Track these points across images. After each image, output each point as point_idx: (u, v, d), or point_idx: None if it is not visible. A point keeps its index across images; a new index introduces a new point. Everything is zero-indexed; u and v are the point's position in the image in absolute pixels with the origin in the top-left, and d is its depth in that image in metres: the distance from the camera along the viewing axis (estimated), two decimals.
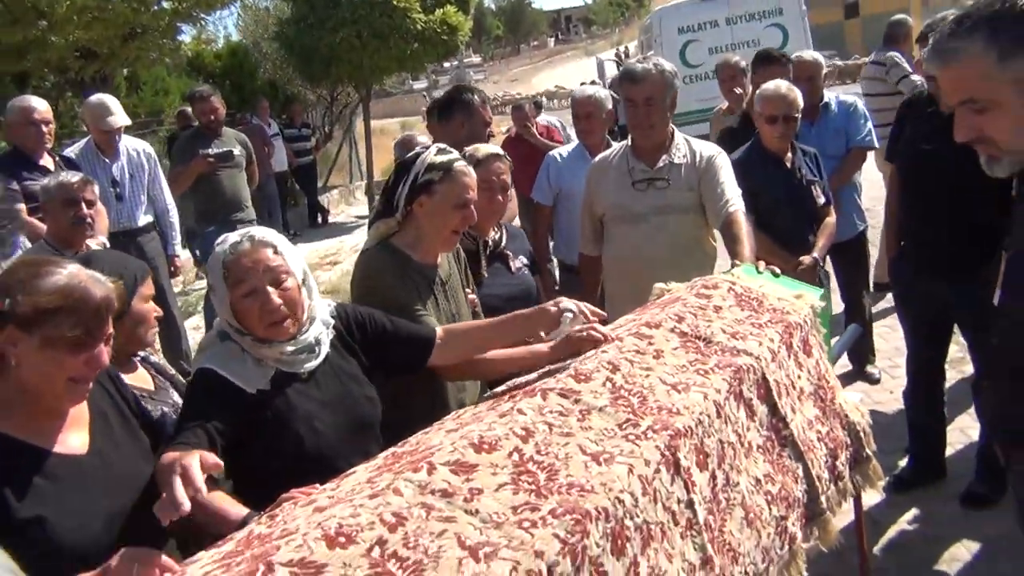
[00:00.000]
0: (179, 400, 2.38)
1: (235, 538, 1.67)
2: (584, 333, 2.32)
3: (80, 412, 1.89)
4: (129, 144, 5.59)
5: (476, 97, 3.86)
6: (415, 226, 2.59)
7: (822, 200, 4.17)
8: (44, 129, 4.91)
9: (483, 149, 3.09)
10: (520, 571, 1.47)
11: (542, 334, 2.56)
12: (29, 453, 1.75)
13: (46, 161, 4.93)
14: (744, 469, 2.15)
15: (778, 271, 2.92)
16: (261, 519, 1.76)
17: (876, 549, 3.57)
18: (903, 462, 4.13)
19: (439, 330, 2.40)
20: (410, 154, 2.64)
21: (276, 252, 2.09)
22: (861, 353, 5.18)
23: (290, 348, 2.11)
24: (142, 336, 2.33)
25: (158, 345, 4.67)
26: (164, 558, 1.54)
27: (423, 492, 1.64)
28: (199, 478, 1.60)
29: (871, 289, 5.61)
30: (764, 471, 2.21)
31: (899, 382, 4.49)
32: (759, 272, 2.90)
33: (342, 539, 1.50)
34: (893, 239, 4.00)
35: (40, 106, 4.98)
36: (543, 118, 8.61)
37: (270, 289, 2.05)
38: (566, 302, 2.34)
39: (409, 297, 2.50)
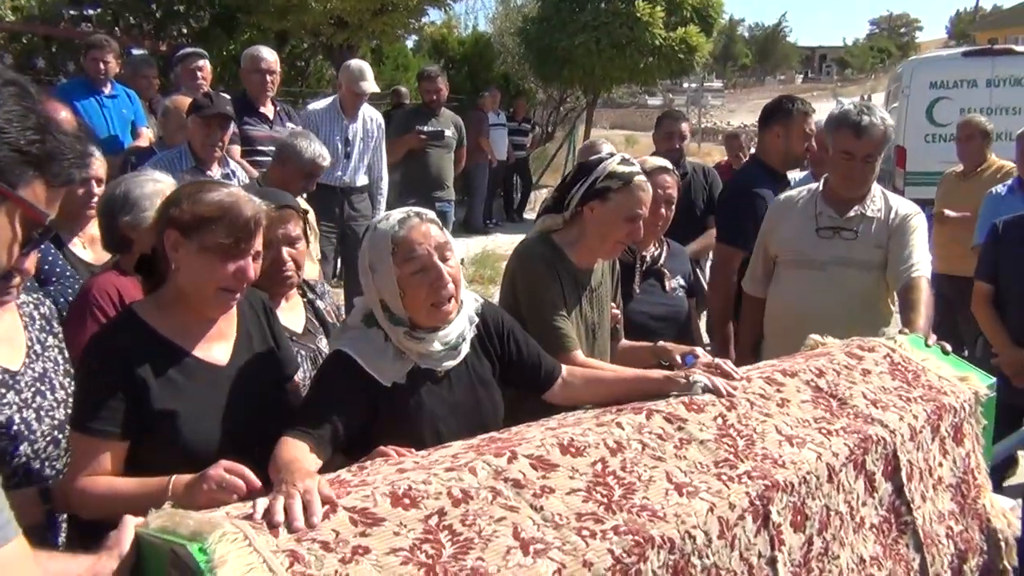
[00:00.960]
0: (323, 347, 2.50)
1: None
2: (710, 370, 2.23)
3: (228, 327, 2.05)
4: (366, 111, 5.93)
5: (798, 108, 3.76)
6: (579, 228, 2.60)
7: None
8: (268, 79, 5.27)
9: (651, 162, 3.07)
10: (564, 575, 1.47)
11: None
12: (174, 352, 1.93)
13: (267, 109, 5.31)
14: (849, 543, 2.02)
15: (948, 348, 2.70)
16: (352, 468, 1.86)
17: None
18: None
19: (564, 371, 2.28)
20: (594, 157, 2.67)
21: (440, 229, 2.05)
22: None
23: (438, 346, 2.03)
24: (271, 278, 2.42)
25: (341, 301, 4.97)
26: (251, 476, 1.64)
27: (496, 477, 1.67)
28: (319, 512, 1.49)
29: None
30: (872, 552, 2.07)
31: None
32: (927, 346, 2.69)
33: (406, 500, 1.56)
34: None
35: (268, 56, 5.35)
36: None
37: (440, 264, 2.00)
38: (698, 374, 2.16)
39: (553, 294, 2.50)
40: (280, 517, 1.45)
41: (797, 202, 3.43)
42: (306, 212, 2.67)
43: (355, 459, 1.93)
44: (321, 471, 1.82)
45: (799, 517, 1.89)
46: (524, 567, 1.46)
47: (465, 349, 2.09)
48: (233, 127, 4.65)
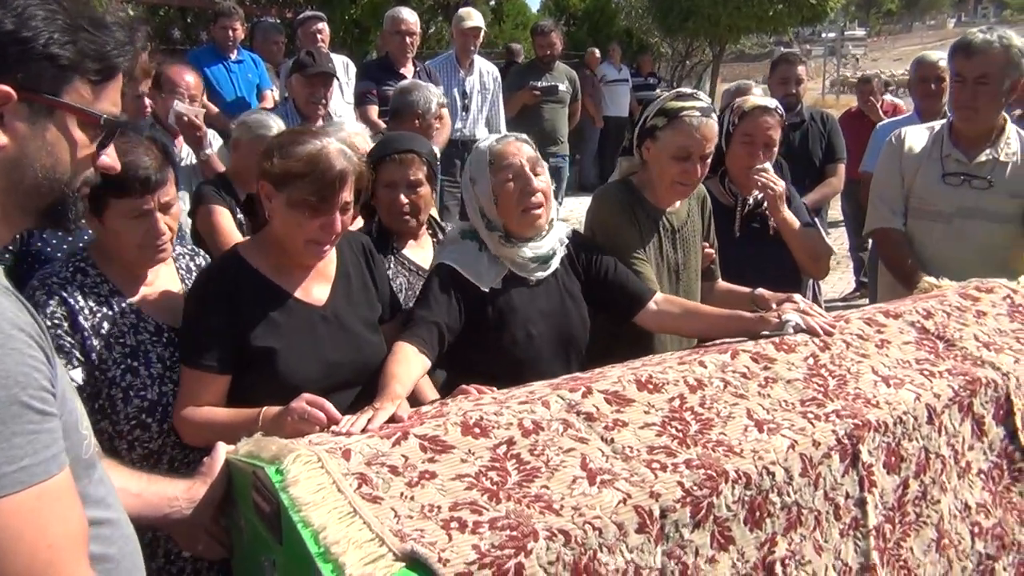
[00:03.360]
0: None
1: (406, 414, 1.81)
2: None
3: (327, 268, 2.10)
4: (482, 65, 6.00)
5: None
6: (646, 169, 2.55)
7: None
8: (408, 40, 5.37)
9: (751, 100, 2.92)
10: (629, 504, 1.46)
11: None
12: (275, 292, 2.00)
13: (407, 70, 5.38)
14: (952, 488, 1.91)
15: None
16: (434, 403, 1.90)
17: None
18: None
19: (659, 296, 2.35)
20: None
21: (533, 149, 2.23)
22: None
23: (528, 254, 2.22)
24: (392, 217, 2.56)
25: None
26: (332, 408, 1.70)
27: (569, 411, 1.67)
28: (376, 424, 1.63)
29: None
30: (980, 499, 1.95)
31: None
32: None
33: (477, 430, 1.58)
34: None
35: (409, 18, 5.45)
36: (889, 99, 7.92)
37: (530, 174, 2.18)
38: (791, 313, 2.12)
39: (629, 236, 2.46)
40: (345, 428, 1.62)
41: (921, 142, 3.10)
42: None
43: (454, 381, 2.02)
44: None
45: (894, 459, 1.80)
46: (589, 496, 1.46)
47: (555, 264, 2.28)
48: (374, 89, 4.73)
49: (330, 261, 2.11)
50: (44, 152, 1.04)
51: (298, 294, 2.03)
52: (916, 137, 3.14)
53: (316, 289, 2.06)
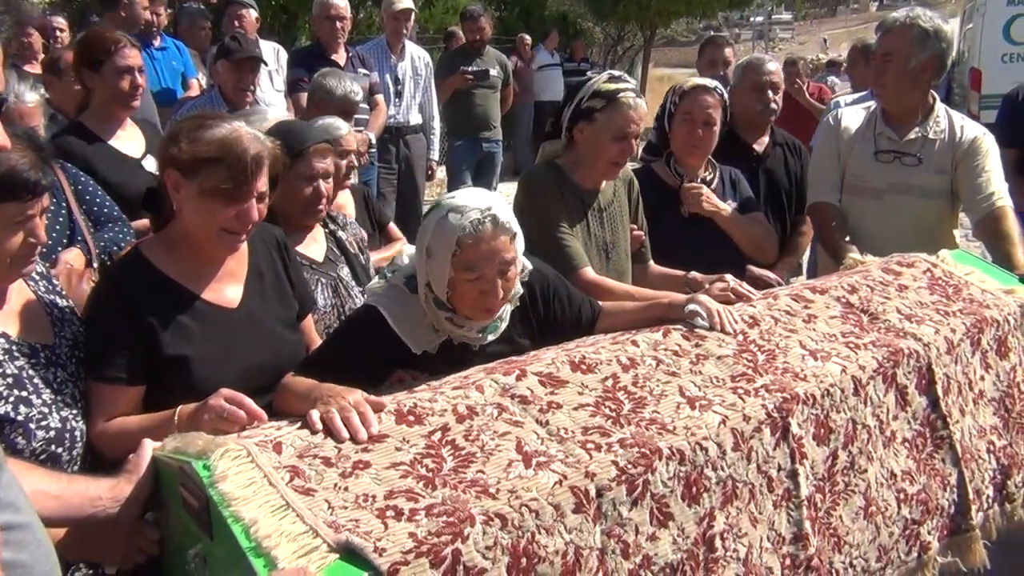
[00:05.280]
0: (344, 276, 2.53)
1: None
2: (725, 293, 2.17)
3: (239, 267, 1.99)
4: (413, 50, 5.95)
5: None
6: (576, 150, 2.57)
7: None
8: (339, 25, 5.28)
9: (692, 81, 2.96)
10: (565, 485, 1.47)
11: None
12: (183, 296, 1.89)
13: (339, 56, 5.28)
14: (878, 458, 1.97)
15: None
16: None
17: None
18: None
19: (599, 305, 2.18)
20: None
21: (513, 240, 1.85)
22: None
23: (476, 333, 1.92)
24: (306, 211, 2.44)
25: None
26: (252, 404, 1.63)
27: (503, 395, 1.67)
28: (375, 421, 1.55)
29: None
30: (905, 467, 2.01)
31: None
32: (986, 264, 2.57)
33: (411, 417, 1.57)
34: None
35: (339, 2, 5.34)
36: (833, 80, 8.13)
37: (498, 281, 1.84)
38: (694, 305, 2.02)
39: (557, 212, 2.48)
40: (345, 434, 1.51)
41: (857, 121, 3.15)
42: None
43: None
44: None
45: (822, 430, 1.85)
46: (525, 479, 1.46)
47: (503, 326, 1.97)
48: (305, 76, 4.64)
49: (241, 260, 2.00)
50: None
51: (209, 296, 1.91)
52: (852, 117, 3.20)
53: (228, 290, 1.95)
